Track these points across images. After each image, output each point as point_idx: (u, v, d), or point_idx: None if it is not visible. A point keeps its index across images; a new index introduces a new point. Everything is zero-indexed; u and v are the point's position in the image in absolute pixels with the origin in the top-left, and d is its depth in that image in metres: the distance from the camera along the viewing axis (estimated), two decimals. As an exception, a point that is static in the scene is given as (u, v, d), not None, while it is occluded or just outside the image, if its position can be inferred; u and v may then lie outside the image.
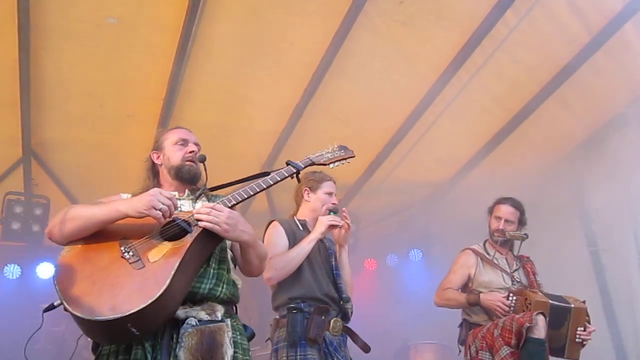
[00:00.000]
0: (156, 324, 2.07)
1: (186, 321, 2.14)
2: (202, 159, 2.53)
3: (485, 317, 3.78)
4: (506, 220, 3.94)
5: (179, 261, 2.07)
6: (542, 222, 4.71)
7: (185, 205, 2.44)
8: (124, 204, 2.20)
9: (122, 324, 1.92)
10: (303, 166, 2.62)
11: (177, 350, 2.09)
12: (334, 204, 3.46)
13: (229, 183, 2.63)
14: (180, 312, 2.15)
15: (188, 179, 2.52)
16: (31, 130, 5.51)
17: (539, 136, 5.75)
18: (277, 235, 3.30)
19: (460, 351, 3.93)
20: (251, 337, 2.42)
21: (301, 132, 5.83)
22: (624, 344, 5.41)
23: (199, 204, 2.41)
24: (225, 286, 2.32)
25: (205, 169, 2.54)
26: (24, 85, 4.93)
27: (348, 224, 3.40)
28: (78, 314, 1.93)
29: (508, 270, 3.91)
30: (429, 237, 7.69)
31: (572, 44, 4.86)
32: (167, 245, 2.16)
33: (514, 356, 3.35)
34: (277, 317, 3.26)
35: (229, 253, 2.46)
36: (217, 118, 5.61)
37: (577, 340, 3.62)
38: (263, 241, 3.13)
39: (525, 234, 3.93)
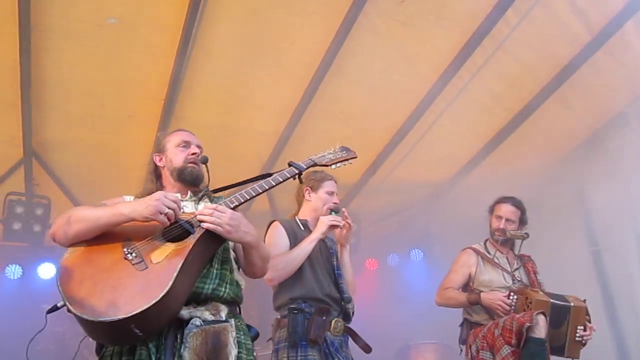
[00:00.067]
0: (160, 324, 2.08)
1: (190, 321, 2.14)
2: (205, 161, 2.54)
3: (486, 316, 3.78)
4: (507, 220, 3.94)
5: (181, 262, 2.07)
6: (543, 222, 4.71)
7: (188, 207, 2.44)
8: (129, 207, 2.20)
9: (126, 325, 1.93)
10: (305, 167, 2.62)
11: (181, 350, 2.09)
12: (335, 203, 3.46)
13: (231, 185, 2.64)
14: (185, 313, 2.16)
15: (190, 180, 2.53)
16: (32, 130, 5.51)
17: (540, 136, 5.75)
18: (278, 236, 3.30)
19: (461, 351, 3.92)
20: (255, 337, 2.43)
21: (301, 132, 5.83)
22: (626, 343, 5.40)
23: (202, 206, 2.42)
24: (228, 286, 2.32)
25: (208, 171, 2.55)
26: (24, 85, 4.93)
27: (349, 224, 3.40)
28: (81, 315, 1.93)
29: (509, 270, 3.91)
30: (430, 236, 7.69)
31: (572, 43, 4.86)
32: (170, 247, 2.16)
33: (514, 355, 3.35)
34: (279, 317, 3.25)
35: (232, 254, 2.47)
36: (218, 118, 5.61)
37: (577, 339, 3.62)
38: (264, 242, 3.13)
39: (526, 233, 3.93)
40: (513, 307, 3.64)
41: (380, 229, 7.66)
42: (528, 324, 3.33)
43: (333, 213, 3.40)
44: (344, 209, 3.49)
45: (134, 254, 2.12)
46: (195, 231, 2.21)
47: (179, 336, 2.13)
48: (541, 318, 3.39)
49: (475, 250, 4.02)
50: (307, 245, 3.21)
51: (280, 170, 2.55)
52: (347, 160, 2.83)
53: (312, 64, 5.13)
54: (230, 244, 2.46)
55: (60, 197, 6.34)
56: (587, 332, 3.65)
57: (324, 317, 3.10)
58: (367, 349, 3.26)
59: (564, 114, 5.54)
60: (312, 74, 5.22)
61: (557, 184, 5.70)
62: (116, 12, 4.47)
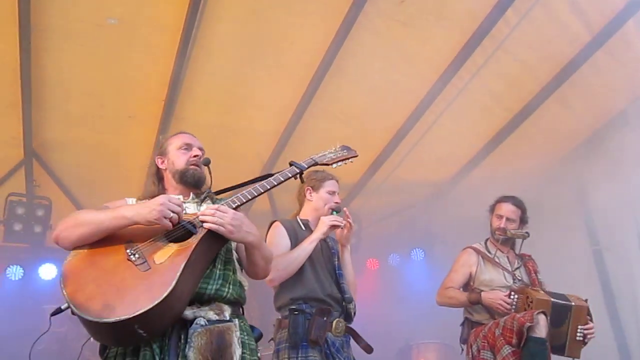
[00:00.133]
0: (163, 324, 2.08)
1: (195, 321, 2.15)
2: (207, 162, 2.55)
3: (487, 315, 3.78)
4: (507, 219, 3.94)
5: (184, 262, 2.08)
6: (544, 221, 4.71)
7: (190, 208, 2.45)
8: (132, 211, 2.21)
9: (129, 325, 1.93)
10: (306, 166, 2.64)
11: (186, 350, 2.10)
12: (336, 203, 3.45)
13: (233, 186, 2.65)
14: (188, 313, 2.16)
15: (192, 182, 2.54)
16: (32, 131, 5.52)
17: (540, 136, 5.75)
18: (278, 236, 3.29)
19: (462, 350, 3.92)
20: (259, 338, 2.43)
21: (302, 132, 5.83)
22: (627, 342, 5.40)
23: (204, 207, 2.42)
24: (231, 287, 2.33)
25: (210, 172, 2.55)
26: (25, 86, 4.93)
27: (350, 224, 3.39)
28: (86, 317, 1.94)
29: (509, 269, 3.91)
30: (431, 236, 7.68)
31: (572, 43, 4.86)
32: (172, 247, 2.17)
33: (515, 355, 3.35)
34: (280, 317, 3.25)
35: (235, 255, 2.47)
36: (218, 118, 5.61)
37: (577, 338, 3.62)
38: (265, 242, 3.13)
39: (526, 233, 3.93)
40: (514, 307, 3.63)
41: (381, 229, 7.66)
42: (529, 324, 3.32)
43: (334, 213, 3.38)
44: (345, 209, 3.48)
45: (137, 255, 2.13)
46: (198, 231, 2.22)
47: (182, 336, 2.14)
48: (542, 317, 3.39)
49: (475, 249, 4.02)
50: (308, 245, 3.20)
51: (282, 170, 2.56)
52: (348, 159, 2.84)
53: (312, 64, 5.13)
54: (233, 245, 2.47)
55: (61, 198, 6.34)
56: (591, 331, 3.64)
57: (325, 318, 3.09)
58: (368, 349, 3.25)
59: (564, 113, 5.54)
60: (312, 74, 5.22)
61: (558, 184, 5.70)
62: (116, 12, 4.47)
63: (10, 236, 6.26)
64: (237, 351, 2.18)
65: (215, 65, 5.05)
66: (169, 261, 2.11)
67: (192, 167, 2.54)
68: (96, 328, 1.98)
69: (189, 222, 2.25)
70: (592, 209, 5.77)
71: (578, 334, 3.62)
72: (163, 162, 2.61)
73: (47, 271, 6.89)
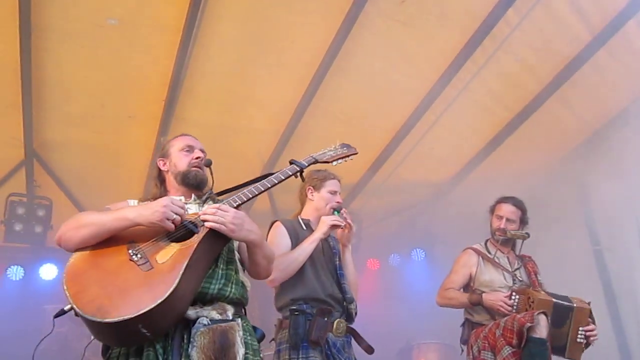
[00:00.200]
0: (167, 324, 2.09)
1: (198, 320, 2.16)
2: (208, 164, 2.57)
3: (487, 316, 3.78)
4: (507, 219, 3.94)
5: (186, 261, 2.09)
6: (545, 222, 4.70)
7: (192, 210, 2.46)
8: (135, 212, 2.23)
9: (133, 324, 1.94)
10: (306, 164, 2.66)
11: (189, 350, 2.10)
12: (338, 202, 3.43)
13: (235, 187, 2.65)
14: (191, 313, 2.17)
15: (195, 184, 2.55)
16: (33, 131, 5.52)
17: (541, 135, 5.74)
18: (279, 236, 3.28)
19: (462, 351, 3.92)
20: (261, 338, 2.44)
21: (302, 132, 5.83)
22: (628, 342, 5.40)
23: (206, 208, 2.42)
24: (234, 286, 2.33)
25: (212, 173, 2.57)
26: (25, 86, 4.94)
27: (350, 224, 3.38)
28: (89, 318, 1.95)
29: (509, 269, 3.91)
30: (431, 236, 7.68)
31: (573, 43, 4.85)
32: (174, 247, 2.19)
33: (516, 356, 3.34)
34: (281, 318, 3.24)
35: (237, 255, 2.48)
36: (218, 118, 5.61)
37: (578, 340, 3.61)
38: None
39: (526, 233, 3.93)
40: (515, 307, 3.63)
41: (382, 229, 7.66)
42: (529, 324, 3.32)
43: (336, 212, 3.37)
44: (343, 209, 3.46)
45: (139, 255, 2.14)
46: (199, 231, 2.23)
47: (185, 336, 2.14)
48: (542, 318, 3.38)
49: (475, 250, 4.02)
50: (308, 245, 3.19)
51: (282, 169, 2.58)
52: (347, 156, 2.86)
53: (312, 63, 5.13)
54: (235, 245, 2.48)
55: (61, 198, 6.35)
56: (593, 333, 3.64)
57: (326, 318, 3.08)
58: (369, 350, 3.24)
59: (565, 113, 5.53)
60: (313, 74, 5.21)
61: (559, 184, 5.70)
62: (116, 12, 4.47)
63: (10, 236, 6.26)
64: (241, 350, 2.18)
65: (215, 65, 5.05)
66: (171, 261, 2.12)
67: (195, 168, 2.56)
68: (100, 328, 1.99)
69: (190, 221, 2.26)
70: (593, 209, 5.77)
71: (579, 336, 3.61)
72: (165, 164, 2.63)
73: (48, 271, 6.90)
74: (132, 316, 1.93)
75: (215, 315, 2.20)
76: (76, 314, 1.99)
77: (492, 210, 4.06)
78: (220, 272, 2.32)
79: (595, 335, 3.66)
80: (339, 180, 3.52)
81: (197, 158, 2.58)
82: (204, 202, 2.53)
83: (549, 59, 5.04)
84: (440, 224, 7.18)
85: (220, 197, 2.63)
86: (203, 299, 2.23)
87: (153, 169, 2.70)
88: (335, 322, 3.15)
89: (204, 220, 2.24)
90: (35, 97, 5.08)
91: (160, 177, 2.64)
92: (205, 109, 5.53)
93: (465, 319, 3.96)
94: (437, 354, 6.21)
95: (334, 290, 3.25)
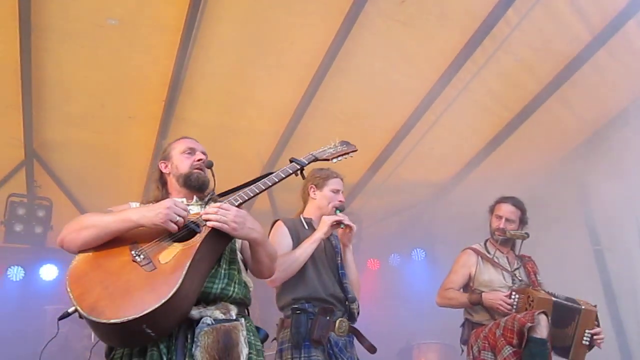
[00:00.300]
0: (171, 324, 2.09)
1: (201, 320, 2.16)
2: (210, 165, 2.58)
3: (487, 316, 3.78)
4: (507, 219, 3.94)
5: (189, 261, 2.10)
6: (545, 222, 4.70)
7: (194, 211, 2.46)
8: (138, 214, 2.23)
9: (137, 325, 1.95)
10: (307, 162, 2.67)
11: (192, 349, 2.10)
12: (340, 201, 3.41)
13: (236, 187, 2.65)
14: (195, 313, 2.17)
15: (197, 186, 2.56)
16: (33, 132, 5.53)
17: (541, 135, 5.74)
18: (280, 235, 3.27)
19: (462, 351, 3.92)
20: (264, 339, 2.44)
21: (302, 133, 5.83)
22: (628, 342, 5.39)
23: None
24: (237, 286, 2.34)
25: (213, 175, 2.58)
26: (25, 86, 4.94)
27: (350, 225, 3.35)
28: (93, 319, 1.95)
29: (509, 269, 3.91)
30: (432, 236, 7.69)
31: (573, 43, 4.85)
32: (177, 247, 2.19)
33: (516, 356, 3.35)
34: (283, 317, 3.23)
35: (239, 255, 2.49)
36: (218, 118, 5.62)
37: (584, 342, 3.61)
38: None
39: (526, 233, 3.93)
40: (514, 307, 3.63)
41: (382, 229, 7.66)
42: (529, 324, 3.32)
43: (338, 211, 3.34)
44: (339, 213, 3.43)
45: (142, 256, 2.15)
46: (202, 230, 2.23)
47: (189, 336, 2.15)
48: (542, 318, 3.38)
49: (475, 250, 4.02)
50: (309, 245, 3.17)
51: (283, 168, 2.59)
52: (347, 153, 2.87)
53: (312, 64, 5.13)
54: (238, 245, 2.49)
55: (62, 198, 6.35)
56: (600, 336, 3.64)
57: (328, 317, 3.07)
58: (372, 349, 3.23)
59: (565, 113, 5.53)
60: (313, 74, 5.21)
61: (559, 184, 5.70)
62: (116, 12, 4.48)
63: (11, 237, 6.26)
64: (244, 350, 2.19)
65: (215, 66, 5.05)
66: (174, 261, 2.12)
67: (196, 170, 2.57)
68: (104, 329, 1.99)
69: (192, 221, 2.26)
70: (593, 209, 5.77)
71: (584, 338, 3.61)
72: (167, 166, 2.64)
73: (48, 272, 6.91)
74: (136, 317, 1.93)
75: (218, 314, 2.21)
76: (80, 316, 2.00)
77: (492, 210, 4.07)
78: (223, 272, 2.32)
79: (602, 339, 3.66)
80: (341, 179, 3.49)
81: (198, 160, 2.59)
82: (206, 203, 2.53)
83: (549, 58, 5.04)
84: (440, 224, 7.18)
85: (221, 199, 2.63)
86: (206, 299, 2.23)
87: (154, 171, 2.70)
88: (337, 321, 3.14)
89: (206, 220, 2.24)
90: (35, 97, 5.09)
91: (162, 180, 2.65)
92: (205, 109, 5.53)
93: (465, 319, 3.96)
94: (437, 354, 6.21)
95: (335, 289, 3.23)
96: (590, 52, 4.85)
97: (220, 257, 2.34)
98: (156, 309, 1.95)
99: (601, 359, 3.86)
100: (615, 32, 4.65)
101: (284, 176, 2.55)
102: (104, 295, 2.02)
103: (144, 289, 2.03)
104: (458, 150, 6.27)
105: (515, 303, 3.64)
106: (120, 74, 5.03)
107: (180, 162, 2.60)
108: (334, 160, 2.81)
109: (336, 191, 3.43)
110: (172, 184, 2.61)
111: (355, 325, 3.30)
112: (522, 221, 3.97)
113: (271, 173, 2.55)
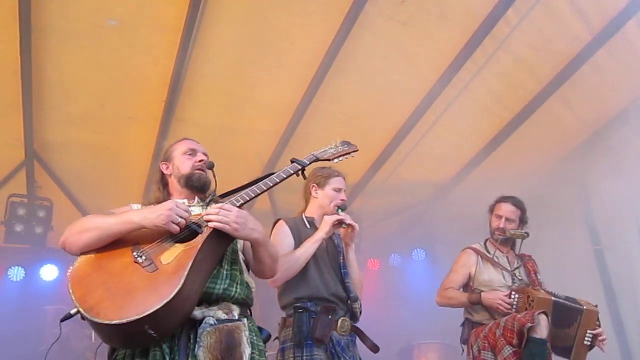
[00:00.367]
0: (173, 324, 2.09)
1: (204, 320, 2.16)
2: (211, 166, 2.59)
3: (487, 315, 3.78)
4: (507, 219, 3.94)
5: (191, 262, 2.10)
6: (545, 221, 4.70)
7: (195, 212, 2.46)
8: (140, 215, 2.24)
9: (139, 326, 1.95)
10: (308, 162, 2.69)
11: (195, 350, 2.11)
12: (342, 200, 3.39)
13: (237, 188, 2.66)
14: (197, 313, 2.18)
15: (198, 187, 2.57)
16: (33, 132, 5.53)
17: (541, 135, 5.74)
18: (282, 235, 3.26)
19: (463, 350, 3.92)
20: (267, 339, 2.44)
21: (302, 133, 5.83)
22: (629, 342, 5.39)
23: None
24: (239, 287, 2.34)
25: (214, 176, 2.59)
26: (25, 87, 4.94)
27: (352, 225, 3.32)
28: (96, 320, 1.96)
29: (509, 269, 3.91)
30: (432, 236, 7.69)
31: (573, 42, 4.85)
32: (179, 247, 2.20)
33: (516, 356, 3.35)
34: (284, 316, 3.22)
35: (241, 256, 2.49)
36: (218, 119, 5.61)
37: (585, 342, 3.61)
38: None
39: (526, 233, 3.93)
40: (514, 306, 3.63)
41: (382, 229, 7.65)
42: (529, 324, 3.32)
43: (340, 210, 3.32)
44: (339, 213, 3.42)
45: (143, 257, 2.15)
46: (203, 231, 2.24)
47: (192, 336, 2.15)
48: (542, 318, 3.38)
49: (474, 249, 4.02)
50: (311, 245, 3.16)
51: (284, 168, 2.60)
52: (348, 153, 2.88)
53: (312, 64, 5.13)
54: (239, 246, 2.49)
55: (62, 199, 6.35)
56: (603, 337, 3.64)
57: (330, 316, 3.06)
58: (374, 348, 3.22)
59: (565, 113, 5.53)
60: (313, 74, 5.21)
61: (559, 184, 5.70)
62: (116, 12, 4.48)
63: (11, 237, 6.26)
64: (247, 350, 2.19)
65: (215, 66, 5.05)
66: (176, 261, 2.13)
67: (198, 171, 2.58)
68: (107, 330, 2.00)
69: (194, 222, 2.27)
70: (593, 209, 5.77)
71: (586, 339, 3.61)
72: (168, 167, 2.65)
73: (48, 272, 6.91)
74: (138, 317, 1.94)
75: (221, 315, 2.21)
76: (82, 317, 2.00)
77: (492, 209, 4.07)
78: (224, 272, 2.32)
79: (605, 340, 3.66)
80: (343, 178, 3.46)
81: (200, 161, 2.60)
82: (207, 204, 2.54)
83: (549, 58, 5.04)
84: (440, 223, 7.17)
85: (223, 199, 2.63)
86: (209, 299, 2.24)
87: (155, 173, 2.71)
88: (340, 320, 3.13)
89: (208, 220, 2.25)
90: (35, 97, 5.09)
91: (163, 181, 2.66)
92: (205, 109, 5.53)
93: (465, 319, 3.96)
94: (438, 353, 6.21)
95: (337, 289, 3.22)
96: (590, 52, 4.85)
97: (222, 257, 2.35)
98: (158, 309, 1.95)
99: (601, 359, 3.86)
100: (615, 32, 4.65)
101: (285, 176, 2.56)
102: (106, 296, 2.03)
103: (146, 290, 2.04)
104: (458, 150, 6.27)
105: (514, 302, 3.64)
106: (120, 74, 5.03)
107: (182, 163, 2.60)
108: (335, 160, 2.83)
109: (338, 190, 3.41)
110: (174, 185, 2.61)
111: (358, 325, 3.29)
112: (522, 221, 3.97)
113: (272, 173, 2.56)
